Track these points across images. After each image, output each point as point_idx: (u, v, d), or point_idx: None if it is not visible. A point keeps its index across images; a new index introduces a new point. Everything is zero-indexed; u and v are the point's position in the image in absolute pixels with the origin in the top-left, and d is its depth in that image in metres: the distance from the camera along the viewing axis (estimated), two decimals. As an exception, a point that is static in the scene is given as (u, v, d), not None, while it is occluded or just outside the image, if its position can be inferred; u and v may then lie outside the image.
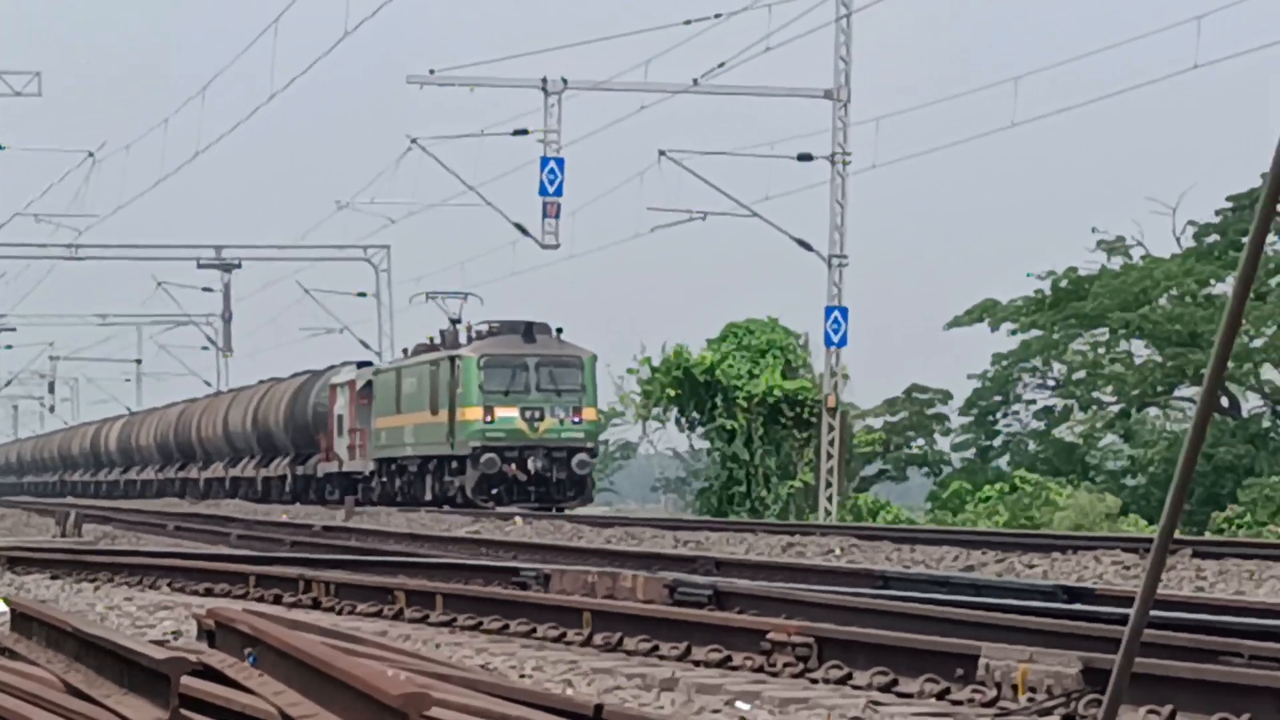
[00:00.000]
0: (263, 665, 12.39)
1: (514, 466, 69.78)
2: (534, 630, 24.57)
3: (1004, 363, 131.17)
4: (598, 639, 23.21)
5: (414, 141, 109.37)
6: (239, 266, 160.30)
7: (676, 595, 26.88)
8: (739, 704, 17.30)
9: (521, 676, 18.60)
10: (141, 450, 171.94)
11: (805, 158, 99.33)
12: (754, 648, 20.81)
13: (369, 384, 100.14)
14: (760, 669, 20.18)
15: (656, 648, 22.17)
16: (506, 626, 25.20)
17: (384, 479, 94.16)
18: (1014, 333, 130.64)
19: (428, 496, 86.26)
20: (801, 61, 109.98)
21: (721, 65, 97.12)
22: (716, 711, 16.81)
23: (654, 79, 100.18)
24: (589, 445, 73.72)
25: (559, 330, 78.01)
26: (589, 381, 75.56)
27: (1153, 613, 13.22)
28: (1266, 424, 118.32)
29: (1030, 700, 16.91)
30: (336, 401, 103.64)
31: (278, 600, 29.70)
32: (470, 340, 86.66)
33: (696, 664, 21.01)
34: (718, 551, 44.42)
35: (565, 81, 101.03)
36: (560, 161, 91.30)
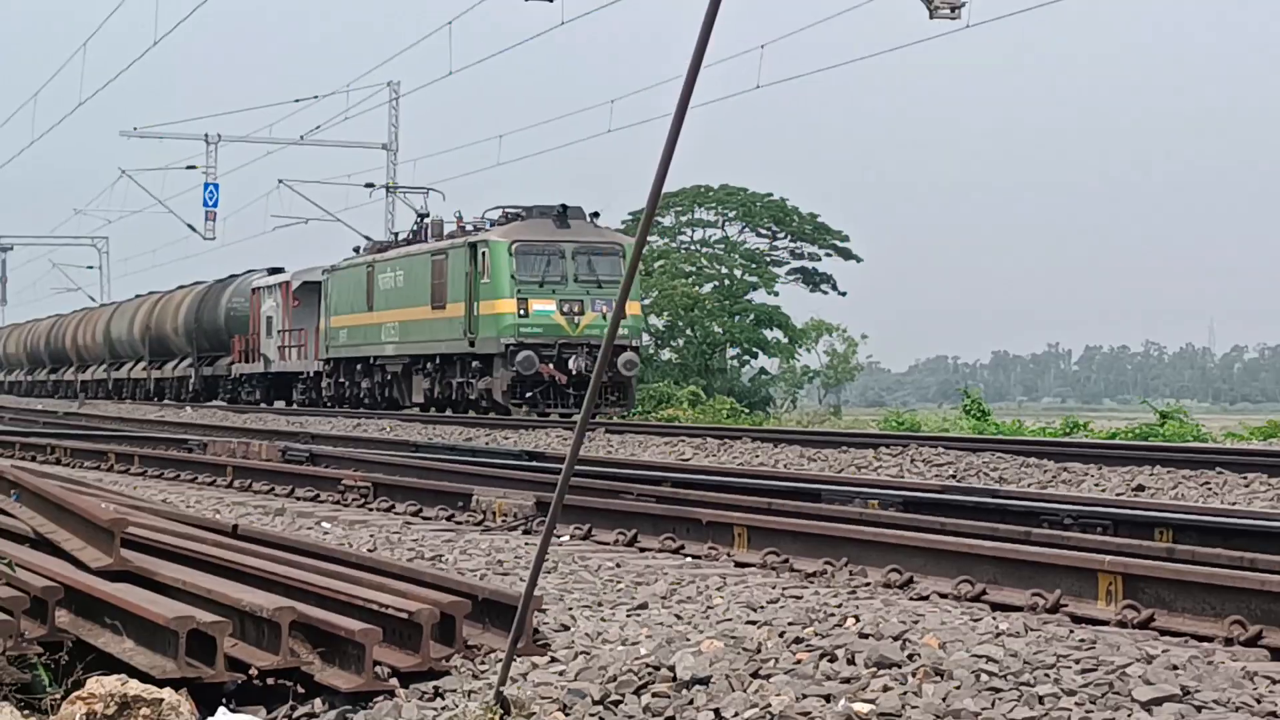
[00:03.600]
0: (24, 501, 12.20)
1: (552, 366, 46.05)
2: (196, 478, 24.29)
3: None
4: (236, 484, 23.01)
5: None
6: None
7: (286, 456, 26.68)
8: (324, 524, 17.21)
9: (187, 507, 18.35)
10: (9, 358, 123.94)
11: None
12: (334, 489, 20.80)
13: (305, 285, 67.61)
14: (338, 502, 20.13)
15: (273, 489, 22.05)
16: (179, 476, 24.92)
17: (342, 380, 61.68)
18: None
19: (417, 399, 55.99)
20: None
21: None
22: (310, 528, 16.68)
23: None
24: (634, 343, 48.88)
25: (595, 214, 51.14)
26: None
27: (579, 467, 13.37)
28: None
29: (504, 521, 17.01)
30: (263, 304, 71.44)
31: (33, 459, 28.88)
32: (488, 225, 53.25)
33: (299, 499, 20.90)
34: (313, 428, 43.85)
35: None
36: None
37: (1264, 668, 8.07)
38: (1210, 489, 21.58)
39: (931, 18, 41.48)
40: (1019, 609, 10.22)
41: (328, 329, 62.08)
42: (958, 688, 7.52)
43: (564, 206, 49.62)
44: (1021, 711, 7.22)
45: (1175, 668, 7.85)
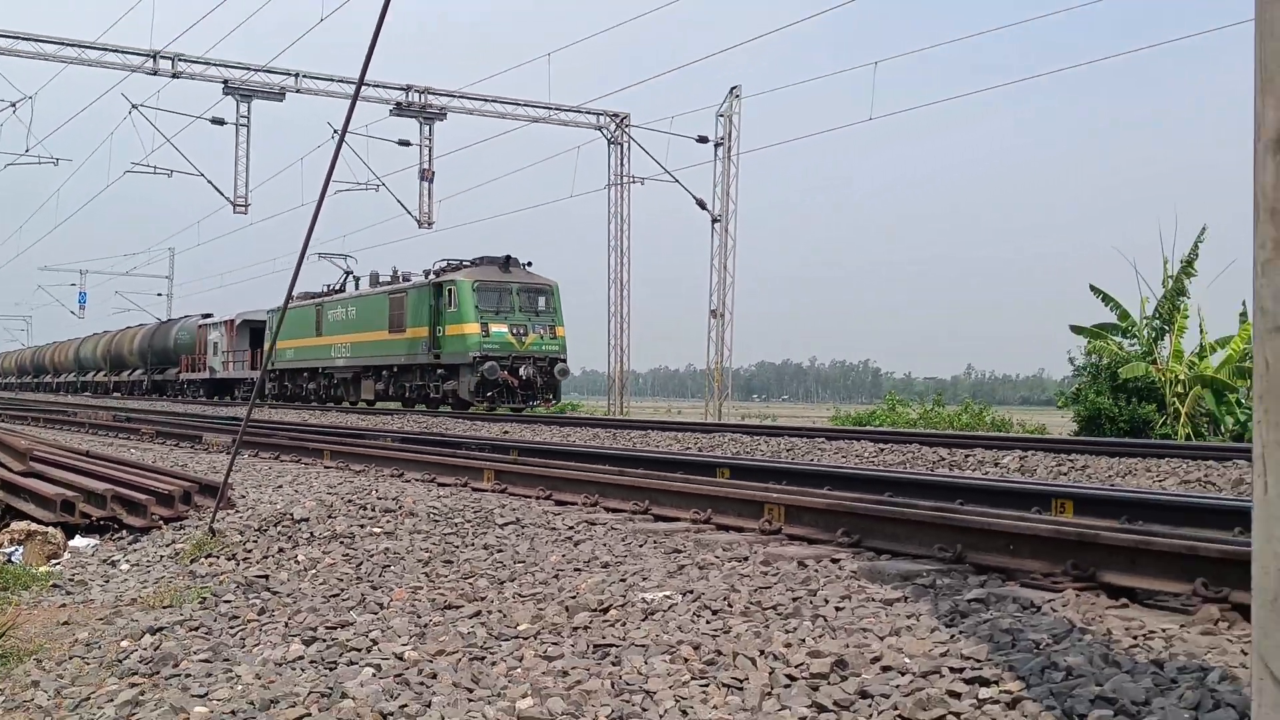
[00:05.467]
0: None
1: (506, 373, 33.76)
2: (71, 428, 22.52)
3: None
4: (90, 431, 21.36)
5: None
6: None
7: (114, 418, 24.80)
8: (131, 450, 16.09)
9: (66, 441, 16.99)
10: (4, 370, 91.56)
11: None
12: (137, 434, 19.50)
13: (244, 323, 50.54)
14: (139, 440, 18.85)
15: (108, 433, 20.59)
16: (62, 426, 22.97)
17: (286, 384, 44.18)
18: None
19: (366, 396, 39.07)
20: None
21: None
22: (124, 450, 15.59)
23: None
24: (564, 356, 35.61)
25: (529, 263, 37.13)
26: (557, 305, 35.95)
27: (252, 424, 12.86)
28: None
29: (218, 448, 16.21)
30: (209, 335, 53.65)
31: (-14, 420, 26.52)
32: (433, 274, 37.09)
33: (119, 437, 19.48)
34: (131, 406, 40.92)
35: None
36: None
37: (552, 509, 8.24)
38: (535, 432, 21.83)
39: (420, 227, 41.09)
40: (451, 485, 10.22)
41: (274, 349, 42.61)
42: (420, 520, 7.52)
43: (508, 257, 34.78)
44: (446, 530, 7.24)
45: (515, 509, 7.99)
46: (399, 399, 36.59)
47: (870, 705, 3.63)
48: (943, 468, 12.79)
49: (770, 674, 3.97)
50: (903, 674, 3.81)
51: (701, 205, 38.52)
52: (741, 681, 3.94)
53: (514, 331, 33.75)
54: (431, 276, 35.71)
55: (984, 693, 3.57)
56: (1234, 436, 24.35)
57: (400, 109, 38.86)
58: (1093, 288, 27.49)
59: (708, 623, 4.67)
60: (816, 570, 5.55)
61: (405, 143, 39.74)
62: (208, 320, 56.70)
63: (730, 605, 4.89)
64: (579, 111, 40.51)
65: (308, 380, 43.11)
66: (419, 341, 35.38)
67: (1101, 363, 27.26)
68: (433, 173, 40.44)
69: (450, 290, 34.18)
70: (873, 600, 4.86)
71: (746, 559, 5.96)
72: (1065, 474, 11.59)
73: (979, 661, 3.84)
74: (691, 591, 5.17)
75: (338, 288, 43.50)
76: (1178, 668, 3.68)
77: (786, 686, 3.85)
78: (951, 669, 3.78)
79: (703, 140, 38.65)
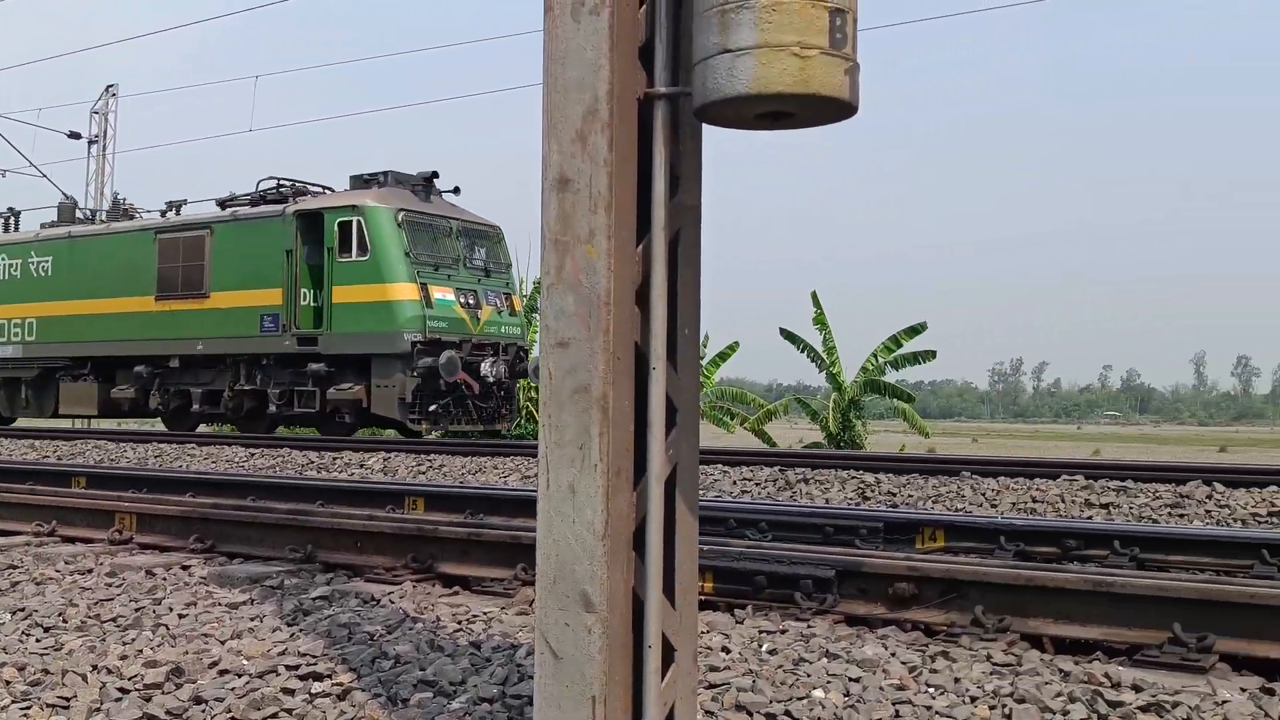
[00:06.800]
0: None
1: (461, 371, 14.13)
2: None
3: None
4: None
5: None
6: None
7: None
8: None
9: None
10: None
11: None
12: None
13: None
14: None
15: None
16: None
17: None
18: None
19: (80, 409, 20.65)
20: None
21: None
22: None
23: None
24: (526, 346, 16.03)
25: (456, 189, 16.96)
26: (509, 262, 16.92)
27: None
28: None
29: None
30: None
31: None
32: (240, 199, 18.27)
33: None
34: None
35: None
36: None
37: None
38: (105, 451, 18.61)
39: None
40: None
41: None
42: None
43: (432, 174, 18.16)
44: None
45: None
46: (170, 414, 20.81)
47: (204, 710, 3.48)
48: (312, 470, 12.70)
49: (101, 688, 3.69)
50: (239, 676, 3.71)
51: (72, 201, 35.31)
52: (69, 700, 3.62)
53: (463, 302, 17.72)
54: (256, 204, 18.93)
55: (316, 687, 3.57)
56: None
57: None
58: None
59: (38, 641, 4.25)
60: (165, 578, 5.25)
61: None
62: None
63: (66, 621, 4.49)
64: (-76, 92, 35.39)
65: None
66: (247, 314, 18.50)
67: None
68: None
69: (354, 224, 17.29)
70: (219, 605, 4.68)
71: (91, 571, 5.51)
72: (424, 473, 11.98)
73: (315, 657, 3.83)
74: (24, 610, 4.67)
75: None
76: (493, 647, 3.91)
77: (118, 700, 3.61)
78: (288, 667, 3.74)
79: (75, 136, 35.48)
